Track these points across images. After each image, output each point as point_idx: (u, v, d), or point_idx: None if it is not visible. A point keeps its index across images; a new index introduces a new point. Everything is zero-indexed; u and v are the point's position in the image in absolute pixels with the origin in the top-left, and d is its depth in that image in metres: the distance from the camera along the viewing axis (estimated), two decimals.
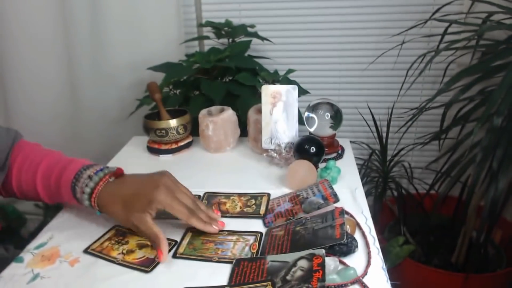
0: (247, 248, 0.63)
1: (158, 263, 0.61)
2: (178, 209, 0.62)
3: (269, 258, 0.59)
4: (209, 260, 0.61)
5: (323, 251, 0.56)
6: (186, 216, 0.63)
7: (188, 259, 0.61)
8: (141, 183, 0.65)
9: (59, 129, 1.54)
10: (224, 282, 0.56)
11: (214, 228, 0.65)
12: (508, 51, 1.12)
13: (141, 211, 0.62)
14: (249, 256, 0.62)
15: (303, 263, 0.55)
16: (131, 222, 0.63)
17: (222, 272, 0.58)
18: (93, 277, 0.59)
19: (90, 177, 0.66)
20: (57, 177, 0.67)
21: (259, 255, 0.61)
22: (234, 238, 0.66)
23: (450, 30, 1.29)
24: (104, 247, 0.65)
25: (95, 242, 0.66)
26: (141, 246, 0.65)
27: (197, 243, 0.64)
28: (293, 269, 0.54)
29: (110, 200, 0.65)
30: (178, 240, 0.66)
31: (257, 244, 0.64)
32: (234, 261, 0.60)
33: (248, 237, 0.66)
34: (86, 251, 0.64)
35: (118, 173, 0.67)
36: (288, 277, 0.53)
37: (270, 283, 0.53)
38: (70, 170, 0.67)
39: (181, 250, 0.63)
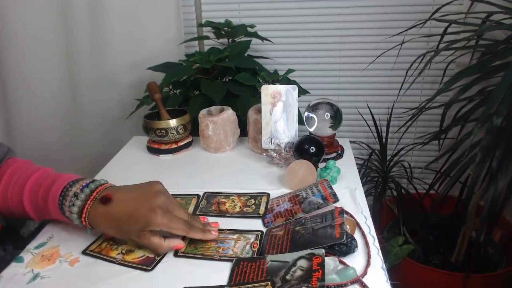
0: (248, 247, 0.63)
1: (158, 261, 0.61)
2: (177, 227, 0.61)
3: (269, 258, 0.59)
4: (210, 258, 0.61)
5: (323, 250, 0.56)
6: (186, 232, 0.62)
7: (189, 258, 0.62)
8: (134, 203, 0.61)
9: (59, 129, 1.54)
10: (224, 281, 0.57)
11: (214, 234, 0.65)
12: (507, 51, 1.12)
13: (138, 235, 0.60)
14: (250, 254, 0.62)
15: (302, 263, 0.55)
16: (131, 240, 0.64)
17: (222, 272, 0.58)
18: (94, 277, 0.59)
19: (76, 195, 0.62)
20: (44, 194, 0.64)
21: (259, 254, 0.61)
22: (235, 236, 0.66)
23: (449, 30, 1.29)
24: (103, 247, 0.65)
25: (93, 243, 0.66)
26: (140, 246, 0.65)
27: (198, 242, 0.64)
28: (293, 269, 0.54)
29: (102, 221, 0.62)
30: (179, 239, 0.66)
31: (258, 242, 0.64)
32: (234, 260, 0.60)
33: (249, 236, 0.66)
34: (84, 252, 0.64)
35: (106, 197, 0.62)
36: (287, 277, 0.53)
37: (270, 283, 0.53)
38: (56, 187, 0.63)
39: (182, 249, 0.63)
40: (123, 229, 0.61)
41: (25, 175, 0.67)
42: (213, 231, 0.65)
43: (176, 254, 0.63)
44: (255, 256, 0.61)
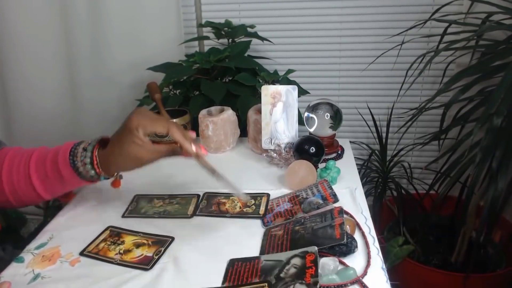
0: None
1: (157, 261, 0.61)
2: (159, 123, 0.64)
3: (263, 257, 0.59)
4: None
5: (316, 248, 0.56)
6: (166, 127, 0.63)
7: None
8: (120, 127, 0.67)
9: (59, 128, 1.54)
10: (219, 281, 0.57)
11: (192, 149, 0.65)
12: (507, 51, 1.12)
13: (131, 143, 0.63)
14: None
15: (296, 261, 0.55)
16: (142, 157, 0.65)
17: (216, 272, 0.59)
18: (94, 277, 0.59)
19: (85, 149, 0.67)
20: (52, 163, 0.67)
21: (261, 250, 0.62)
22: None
23: (449, 30, 1.29)
24: (100, 248, 0.65)
25: (90, 244, 0.66)
26: (137, 245, 0.65)
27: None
28: (287, 267, 0.55)
29: (109, 158, 0.66)
30: (175, 237, 0.66)
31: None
32: (228, 261, 0.60)
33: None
34: (82, 253, 0.64)
35: (105, 139, 0.70)
36: (282, 275, 0.54)
37: (266, 284, 0.53)
38: (63, 152, 0.68)
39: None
40: (121, 148, 0.65)
41: (26, 156, 0.69)
42: (194, 146, 0.66)
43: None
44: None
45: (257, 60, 1.30)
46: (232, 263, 0.59)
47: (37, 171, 0.68)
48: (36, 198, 0.70)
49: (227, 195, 0.79)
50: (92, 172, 0.67)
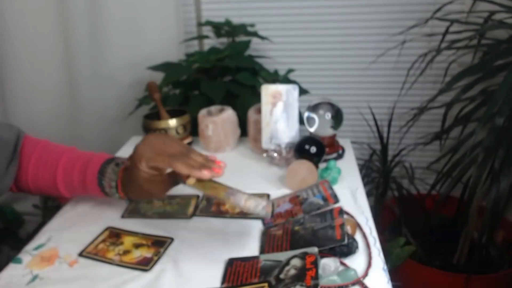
0: (260, 207, 0.57)
1: (156, 261, 0.61)
2: (160, 159, 0.58)
3: (262, 257, 0.58)
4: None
5: (316, 249, 0.56)
6: (167, 163, 0.57)
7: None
8: (130, 154, 0.64)
9: (58, 128, 1.54)
10: (218, 281, 0.56)
11: (203, 173, 0.56)
12: (510, 51, 1.12)
13: (137, 174, 0.60)
14: (264, 214, 0.57)
15: (296, 262, 0.55)
16: (150, 190, 0.62)
17: (215, 272, 0.58)
18: (93, 278, 0.59)
19: (113, 171, 0.67)
20: (80, 174, 0.68)
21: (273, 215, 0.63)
22: (245, 196, 0.59)
23: (451, 29, 1.29)
24: (99, 249, 0.64)
25: (89, 245, 0.65)
26: (137, 246, 0.64)
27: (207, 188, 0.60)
28: (286, 268, 0.54)
29: (127, 185, 0.65)
30: (174, 238, 0.66)
31: (270, 205, 0.58)
32: (227, 260, 0.59)
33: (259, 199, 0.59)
34: (81, 254, 0.63)
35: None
36: (281, 276, 0.53)
37: (267, 284, 0.52)
38: (92, 168, 0.68)
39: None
40: (133, 181, 0.62)
41: (54, 157, 0.70)
42: (205, 171, 0.56)
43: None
44: (270, 217, 0.65)
45: (257, 59, 1.29)
46: (231, 262, 0.59)
47: (64, 178, 0.69)
48: (57, 194, 0.72)
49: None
50: (117, 195, 0.68)
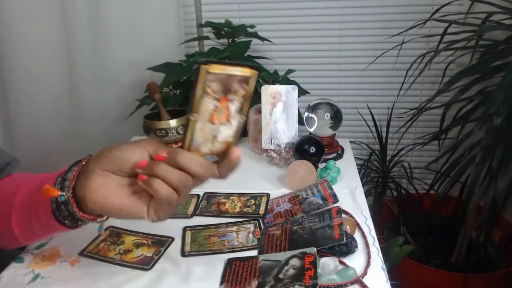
0: (251, 236, 0.64)
1: (156, 261, 0.61)
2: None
3: (261, 257, 0.59)
4: (220, 252, 0.62)
5: (315, 249, 0.56)
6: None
7: (199, 255, 0.62)
8: None
9: (59, 129, 1.54)
10: (217, 281, 0.57)
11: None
12: (507, 51, 1.12)
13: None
14: (256, 242, 0.63)
15: (295, 262, 0.55)
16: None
17: (215, 272, 0.59)
18: (94, 277, 0.59)
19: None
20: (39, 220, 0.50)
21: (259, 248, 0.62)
22: (235, 228, 0.67)
23: (449, 30, 1.29)
24: (100, 248, 0.65)
25: (90, 244, 0.66)
26: (137, 245, 0.65)
27: (200, 240, 0.65)
28: (285, 268, 0.55)
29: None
30: (175, 237, 0.66)
31: (259, 230, 0.65)
32: (226, 260, 0.60)
33: (247, 226, 0.67)
34: (82, 253, 0.64)
35: None
36: (280, 276, 0.53)
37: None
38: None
39: (187, 248, 0.64)
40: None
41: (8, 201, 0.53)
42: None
43: (184, 254, 0.63)
44: (260, 243, 0.62)
45: (257, 60, 1.30)
46: (230, 262, 0.59)
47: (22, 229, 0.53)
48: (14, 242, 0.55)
49: (227, 195, 0.79)
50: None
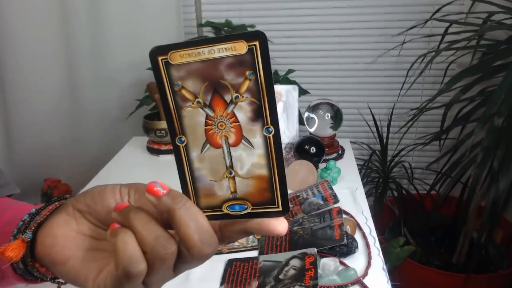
0: (251, 236, 0.63)
1: None
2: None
3: (262, 258, 0.59)
4: (220, 252, 0.62)
5: (315, 250, 0.56)
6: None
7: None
8: None
9: (59, 129, 1.54)
10: (217, 281, 0.56)
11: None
12: (508, 51, 1.12)
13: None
14: (256, 243, 0.62)
15: (295, 262, 0.55)
16: None
17: (215, 272, 0.58)
18: None
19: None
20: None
21: (259, 248, 0.61)
22: None
23: (450, 30, 1.29)
24: None
25: None
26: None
27: None
28: (286, 268, 0.54)
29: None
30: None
31: None
32: (226, 261, 0.60)
33: None
34: None
35: None
36: (281, 276, 0.53)
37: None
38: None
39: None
40: None
41: None
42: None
43: None
44: (261, 244, 0.62)
45: None
46: (230, 263, 0.59)
47: None
48: None
49: None
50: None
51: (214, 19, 1.42)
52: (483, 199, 1.11)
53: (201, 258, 0.28)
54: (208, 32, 1.43)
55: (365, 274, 0.56)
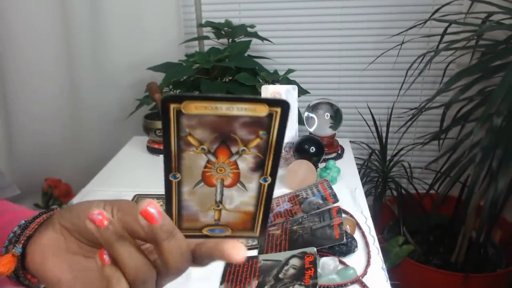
0: None
1: None
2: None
3: (261, 257, 0.59)
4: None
5: (315, 249, 0.56)
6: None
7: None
8: None
9: (59, 129, 1.54)
10: (217, 281, 0.57)
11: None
12: (507, 51, 1.12)
13: None
14: (255, 242, 0.63)
15: (295, 262, 0.55)
16: None
17: (215, 271, 0.58)
18: None
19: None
20: None
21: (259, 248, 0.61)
22: None
23: (449, 30, 1.29)
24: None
25: None
26: None
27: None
28: (285, 268, 0.55)
29: None
30: None
31: None
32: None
33: None
34: None
35: None
36: (280, 275, 0.54)
37: None
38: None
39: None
40: None
41: None
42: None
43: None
44: (260, 243, 0.62)
45: (257, 60, 1.30)
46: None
47: None
48: None
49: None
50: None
51: (214, 19, 1.42)
52: (482, 199, 1.12)
53: (178, 274, 0.32)
54: (208, 32, 1.43)
55: (365, 273, 0.57)
